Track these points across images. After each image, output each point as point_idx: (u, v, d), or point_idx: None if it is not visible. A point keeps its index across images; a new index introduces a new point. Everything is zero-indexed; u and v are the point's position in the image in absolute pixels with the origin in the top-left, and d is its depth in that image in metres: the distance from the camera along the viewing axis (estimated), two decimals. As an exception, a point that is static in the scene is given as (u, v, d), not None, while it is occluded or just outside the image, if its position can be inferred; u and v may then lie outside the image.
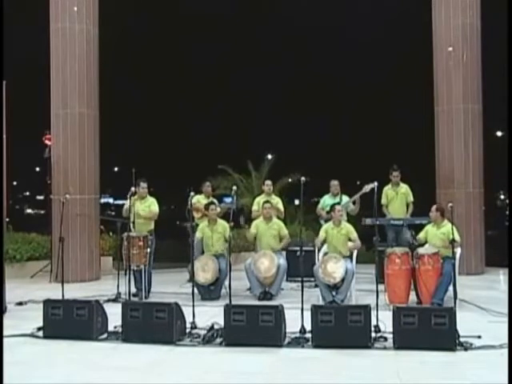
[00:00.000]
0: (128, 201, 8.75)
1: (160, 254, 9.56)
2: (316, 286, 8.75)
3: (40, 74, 11.61)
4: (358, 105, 26.66)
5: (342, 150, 27.64)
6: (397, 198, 10.02)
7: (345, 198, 9.93)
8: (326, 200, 10.10)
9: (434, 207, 8.38)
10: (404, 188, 10.08)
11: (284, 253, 9.80)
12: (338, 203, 9.15)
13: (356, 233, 8.59)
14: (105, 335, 6.66)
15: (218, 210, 9.42)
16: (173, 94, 26.87)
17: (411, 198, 10.05)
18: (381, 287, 7.38)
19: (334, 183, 10.11)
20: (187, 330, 6.62)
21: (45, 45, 11.04)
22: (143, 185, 9.19)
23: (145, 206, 9.14)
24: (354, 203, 9.92)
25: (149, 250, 8.81)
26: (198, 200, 10.19)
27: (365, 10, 20.19)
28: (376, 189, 7.44)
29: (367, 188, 9.40)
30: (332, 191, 10.10)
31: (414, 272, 8.12)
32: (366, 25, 22.06)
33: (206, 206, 9.44)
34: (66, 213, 9.60)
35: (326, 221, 9.66)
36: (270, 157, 19.40)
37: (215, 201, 10.22)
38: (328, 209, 9.85)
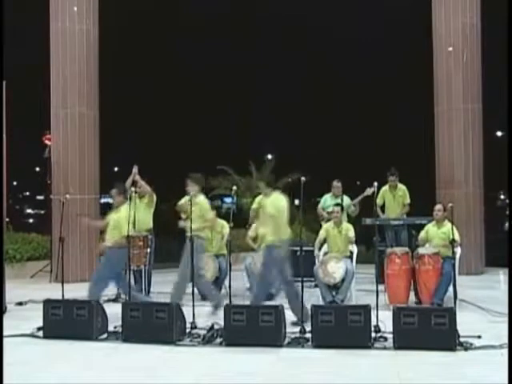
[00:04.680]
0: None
1: (160, 254, 9.57)
2: (316, 286, 8.75)
3: (40, 74, 11.62)
4: (359, 105, 26.63)
5: (342, 150, 27.62)
6: (394, 201, 10.17)
7: (346, 199, 9.95)
8: (327, 200, 10.12)
9: (440, 207, 8.35)
10: (401, 190, 10.22)
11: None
12: (339, 204, 9.16)
13: (354, 233, 8.62)
14: (105, 335, 6.66)
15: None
16: (173, 93, 26.84)
17: (407, 200, 10.22)
18: (381, 287, 7.38)
19: (338, 185, 10.10)
20: (187, 330, 6.63)
21: (45, 45, 11.04)
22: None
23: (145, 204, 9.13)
24: (354, 205, 9.97)
25: (149, 249, 8.81)
26: (186, 201, 10.17)
27: (365, 10, 20.17)
28: (376, 189, 7.46)
29: (369, 191, 9.53)
30: (334, 192, 10.11)
31: (414, 272, 8.12)
32: (366, 25, 22.04)
33: None
34: (66, 213, 9.59)
35: (327, 221, 9.68)
36: (270, 157, 19.42)
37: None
38: (330, 209, 9.88)
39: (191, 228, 7.36)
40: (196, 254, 7.41)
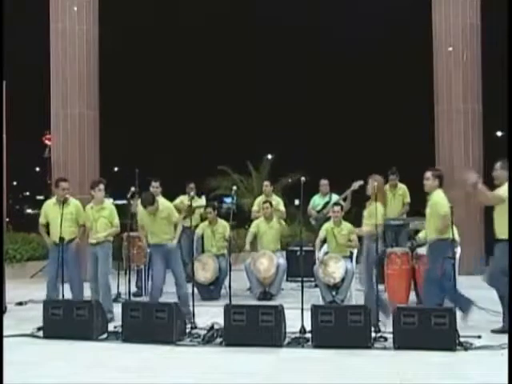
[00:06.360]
0: (132, 201, 8.53)
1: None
2: (316, 285, 8.76)
3: (40, 74, 11.62)
4: (359, 104, 26.66)
5: (342, 149, 27.64)
6: (394, 200, 10.16)
7: (334, 197, 9.98)
8: (316, 200, 10.19)
9: None
10: (401, 190, 10.23)
11: (284, 252, 9.81)
12: (328, 202, 9.18)
13: (355, 236, 8.59)
14: (105, 335, 6.66)
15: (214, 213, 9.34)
16: (173, 93, 26.87)
17: (407, 200, 10.22)
18: (381, 287, 7.38)
19: (324, 182, 10.20)
20: (187, 330, 6.63)
21: (45, 45, 11.05)
22: (154, 184, 9.06)
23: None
24: (344, 200, 9.95)
25: (149, 249, 8.80)
26: (182, 201, 10.10)
27: (365, 10, 20.18)
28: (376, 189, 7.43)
29: (355, 185, 9.55)
30: (321, 190, 10.17)
31: (413, 272, 8.12)
32: (366, 24, 22.05)
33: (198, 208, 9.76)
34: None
35: (316, 219, 9.72)
36: (269, 157, 19.43)
37: (202, 201, 10.39)
38: (319, 208, 9.93)
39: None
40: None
